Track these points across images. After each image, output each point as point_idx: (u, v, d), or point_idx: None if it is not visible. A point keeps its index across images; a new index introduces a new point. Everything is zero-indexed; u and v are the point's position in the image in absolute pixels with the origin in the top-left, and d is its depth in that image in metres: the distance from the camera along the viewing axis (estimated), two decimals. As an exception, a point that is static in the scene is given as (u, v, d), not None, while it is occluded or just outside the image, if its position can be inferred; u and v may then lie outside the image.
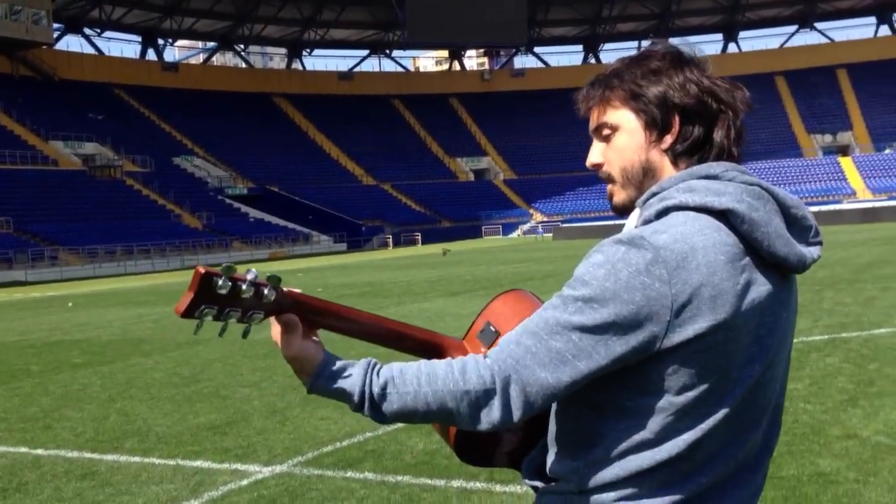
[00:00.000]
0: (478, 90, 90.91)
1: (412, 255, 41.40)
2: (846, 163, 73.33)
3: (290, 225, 61.84)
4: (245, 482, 5.16)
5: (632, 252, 1.30)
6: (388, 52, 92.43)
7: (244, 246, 55.30)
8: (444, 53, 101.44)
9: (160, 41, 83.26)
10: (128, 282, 34.77)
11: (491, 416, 1.33)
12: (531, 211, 73.91)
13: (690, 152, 1.41)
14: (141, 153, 64.56)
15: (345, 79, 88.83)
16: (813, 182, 70.90)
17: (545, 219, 69.99)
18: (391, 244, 61.61)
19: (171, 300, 21.38)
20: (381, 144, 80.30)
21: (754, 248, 1.35)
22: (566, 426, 1.42)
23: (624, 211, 1.49)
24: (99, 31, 79.43)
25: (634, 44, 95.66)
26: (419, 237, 62.44)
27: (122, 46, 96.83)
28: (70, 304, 22.32)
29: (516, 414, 1.33)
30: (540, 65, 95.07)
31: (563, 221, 64.25)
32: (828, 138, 79.03)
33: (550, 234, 56.49)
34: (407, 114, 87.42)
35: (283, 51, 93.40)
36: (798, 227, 1.41)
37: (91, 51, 78.45)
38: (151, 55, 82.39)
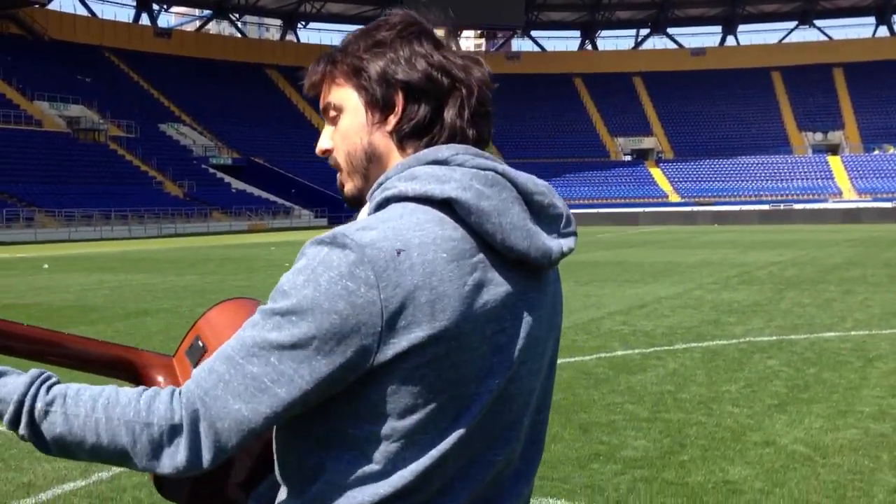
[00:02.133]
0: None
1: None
2: (835, 162, 73.39)
3: (272, 198, 61.48)
4: (139, 464, 4.98)
5: (334, 253, 1.10)
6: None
7: (223, 216, 54.93)
8: (441, 33, 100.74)
9: (154, 6, 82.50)
10: (102, 247, 34.47)
11: (175, 458, 1.10)
12: (516, 196, 73.73)
13: (417, 135, 1.22)
14: (127, 118, 63.94)
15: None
16: (800, 179, 71.00)
17: (530, 204, 69.83)
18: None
19: (137, 269, 21.16)
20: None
21: (488, 243, 1.16)
22: (287, 459, 1.20)
23: (355, 203, 1.30)
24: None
25: (632, 32, 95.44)
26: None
27: (116, 10, 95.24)
28: (45, 266, 22.05)
29: (206, 456, 1.11)
30: (536, 49, 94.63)
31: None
32: (818, 136, 79.04)
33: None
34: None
35: (279, 22, 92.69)
36: (545, 216, 1.22)
37: (84, 13, 77.63)
38: (145, 20, 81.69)
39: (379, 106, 1.23)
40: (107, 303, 13.42)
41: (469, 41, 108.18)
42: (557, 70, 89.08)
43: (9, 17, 67.50)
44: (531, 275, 1.21)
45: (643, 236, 36.01)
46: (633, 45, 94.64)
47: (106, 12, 77.67)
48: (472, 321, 1.13)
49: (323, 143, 1.31)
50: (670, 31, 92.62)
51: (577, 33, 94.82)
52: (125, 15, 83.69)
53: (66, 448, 1.13)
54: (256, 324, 1.12)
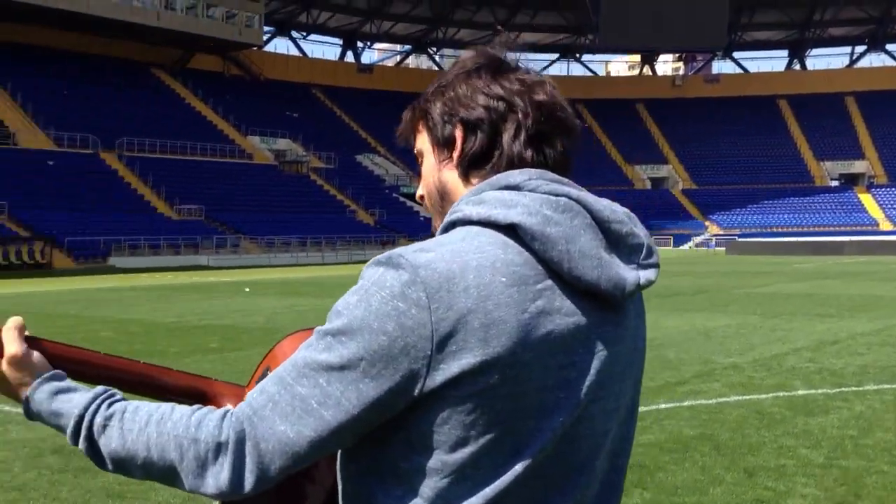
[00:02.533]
0: (667, 96, 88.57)
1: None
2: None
3: (460, 226, 62.68)
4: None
5: (388, 273, 1.08)
6: (577, 56, 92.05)
7: (409, 242, 56.50)
8: (637, 58, 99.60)
9: (359, 44, 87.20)
10: (297, 272, 36.45)
11: (219, 478, 1.09)
12: (707, 223, 71.07)
13: (477, 164, 1.21)
14: (327, 150, 67.64)
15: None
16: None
17: (721, 232, 67.05)
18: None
19: (324, 293, 22.18)
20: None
21: (556, 271, 1.11)
22: (346, 488, 1.18)
23: None
24: (304, 34, 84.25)
25: (847, 49, 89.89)
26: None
27: (324, 48, 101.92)
28: (247, 290, 23.58)
29: (248, 479, 1.08)
30: (737, 70, 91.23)
31: (739, 235, 61.32)
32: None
33: (724, 248, 54.00)
34: (589, 118, 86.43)
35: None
36: (624, 245, 1.16)
37: (296, 52, 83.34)
38: (350, 57, 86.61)
39: (443, 144, 1.24)
40: (292, 325, 14.10)
41: (666, 65, 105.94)
42: (760, 92, 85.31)
43: (231, 60, 73.43)
44: (608, 307, 1.15)
45: (845, 267, 33.55)
46: (846, 63, 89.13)
47: (315, 51, 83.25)
48: (533, 350, 1.07)
49: (419, 190, 1.33)
50: (889, 47, 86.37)
51: (784, 53, 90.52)
52: (332, 53, 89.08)
53: (121, 463, 1.13)
54: (310, 345, 1.12)
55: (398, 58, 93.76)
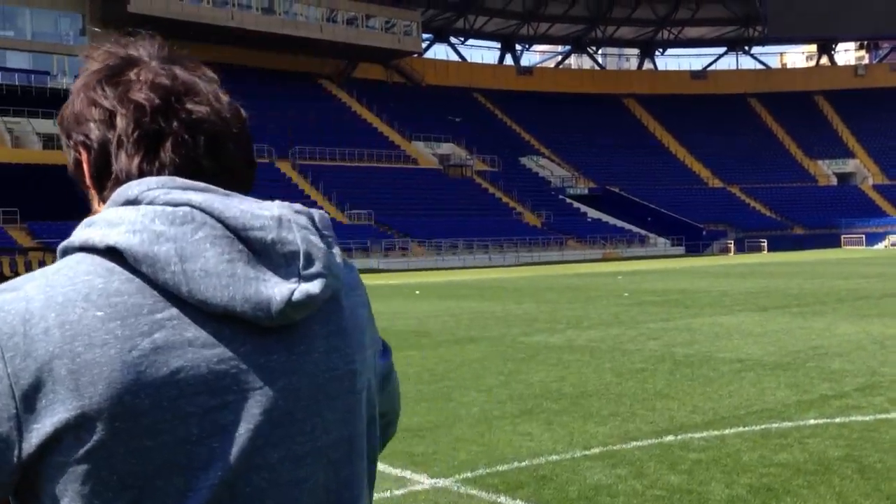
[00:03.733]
0: (850, 86, 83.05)
1: (749, 263, 38.82)
2: None
3: (627, 226, 61.32)
4: (401, 492, 5.09)
5: None
6: (746, 48, 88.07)
7: (578, 245, 55.90)
8: (813, 48, 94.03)
9: (518, 47, 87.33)
10: (463, 275, 36.80)
11: None
12: (903, 220, 65.96)
13: (100, 178, 1.03)
14: (491, 153, 68.06)
15: (698, 78, 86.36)
16: None
17: (920, 229, 62.02)
18: (733, 250, 58.44)
19: (483, 296, 22.20)
20: (731, 145, 76.81)
21: (177, 296, 0.92)
22: None
23: None
24: (462, 39, 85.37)
25: None
26: (765, 244, 58.56)
27: (483, 53, 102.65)
28: (417, 293, 24.05)
29: None
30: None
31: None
32: None
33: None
34: (764, 113, 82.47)
35: (636, 51, 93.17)
36: (274, 256, 0.94)
37: (455, 58, 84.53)
38: (509, 60, 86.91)
39: (75, 162, 1.06)
40: (442, 328, 14.17)
41: (847, 54, 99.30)
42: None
43: (393, 68, 75.43)
44: (272, 331, 0.94)
45: None
46: None
47: (474, 56, 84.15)
48: (154, 395, 0.88)
49: None
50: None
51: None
52: (491, 57, 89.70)
53: None
54: None
55: (559, 58, 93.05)
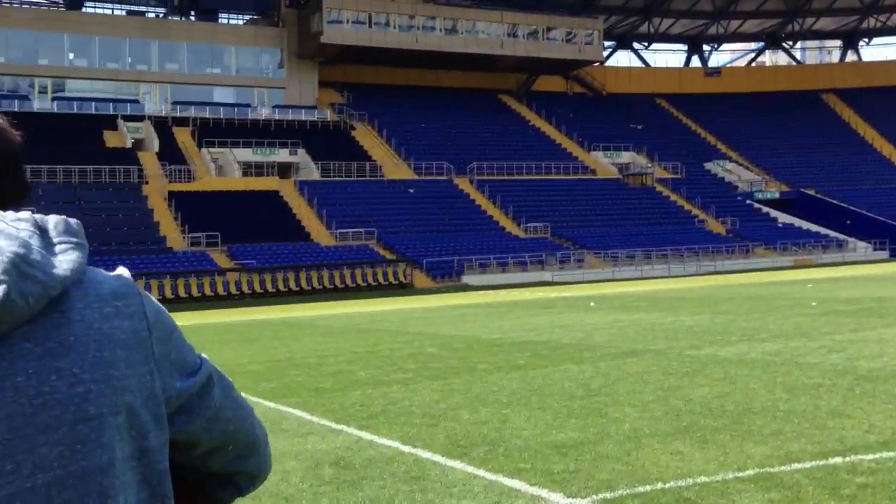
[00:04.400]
0: None
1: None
2: None
3: (823, 230, 57.46)
4: (532, 511, 4.92)
5: None
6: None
7: (767, 252, 52.95)
8: None
9: (705, 47, 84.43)
10: (639, 286, 35.81)
11: None
12: None
13: None
14: (673, 160, 66.04)
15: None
16: None
17: None
18: (945, 255, 53.43)
19: (657, 307, 21.45)
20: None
21: None
22: None
23: None
24: (646, 44, 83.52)
25: None
26: None
27: (668, 57, 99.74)
28: (592, 304, 23.70)
29: None
30: None
31: None
32: None
33: None
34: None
35: (838, 43, 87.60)
36: None
37: (638, 64, 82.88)
38: (695, 62, 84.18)
39: None
40: (606, 342, 13.77)
41: None
42: None
43: (574, 78, 75.03)
44: None
45: None
46: None
47: (658, 60, 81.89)
48: None
49: None
50: None
51: None
52: (676, 60, 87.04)
53: None
54: None
55: (750, 56, 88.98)
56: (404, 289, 43.71)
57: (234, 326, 22.88)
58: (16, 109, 53.72)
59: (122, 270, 1.01)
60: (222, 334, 20.15)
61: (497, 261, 47.27)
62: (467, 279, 45.56)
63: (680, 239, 52.58)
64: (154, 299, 1.02)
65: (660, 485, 5.26)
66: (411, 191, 54.97)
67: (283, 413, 8.61)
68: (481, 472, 5.79)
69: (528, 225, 53.09)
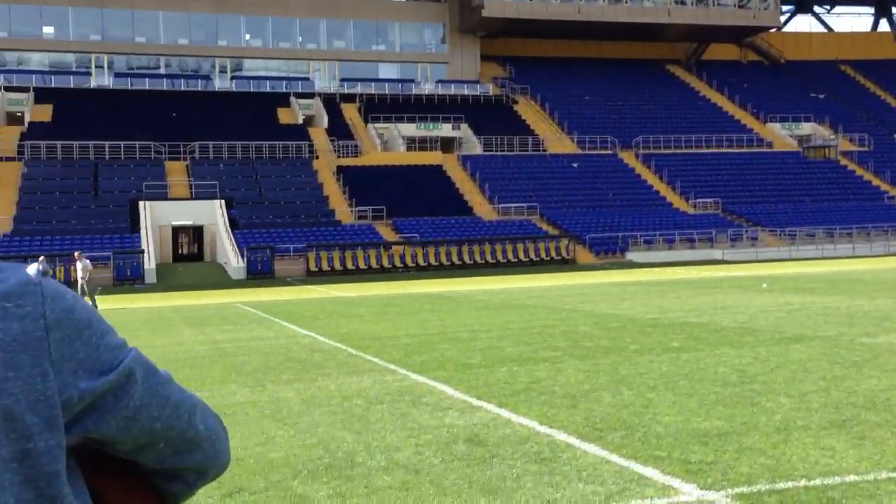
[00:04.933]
0: None
1: None
2: None
3: None
4: (662, 501, 4.71)
5: None
6: None
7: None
8: None
9: (895, 10, 78.19)
10: (818, 266, 33.79)
11: None
12: None
13: None
14: (859, 131, 61.73)
15: None
16: None
17: None
18: None
19: (835, 290, 20.17)
20: None
21: None
22: None
23: None
24: (828, 7, 78.34)
25: None
26: None
27: (853, 21, 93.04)
28: (764, 286, 22.66)
29: None
30: None
31: None
32: None
33: None
34: None
35: None
36: None
37: (818, 29, 77.87)
38: (884, 26, 78.16)
39: None
40: (772, 326, 13.07)
41: None
42: None
43: (748, 46, 71.42)
44: None
45: None
46: None
47: (841, 24, 76.20)
48: None
49: None
50: None
51: None
52: (862, 25, 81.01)
53: None
54: None
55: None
56: (566, 264, 43.35)
57: (395, 299, 23.46)
58: (199, 89, 57.27)
59: (30, 268, 0.97)
60: (383, 306, 20.70)
61: (663, 237, 45.96)
62: (632, 256, 44.59)
63: (866, 216, 49.17)
64: (68, 297, 0.97)
65: (803, 482, 4.92)
66: (574, 165, 54.26)
67: (428, 387, 8.72)
68: (614, 458, 5.63)
69: (697, 200, 51.22)
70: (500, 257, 43.78)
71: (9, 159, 47.12)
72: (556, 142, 57.15)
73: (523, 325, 14.59)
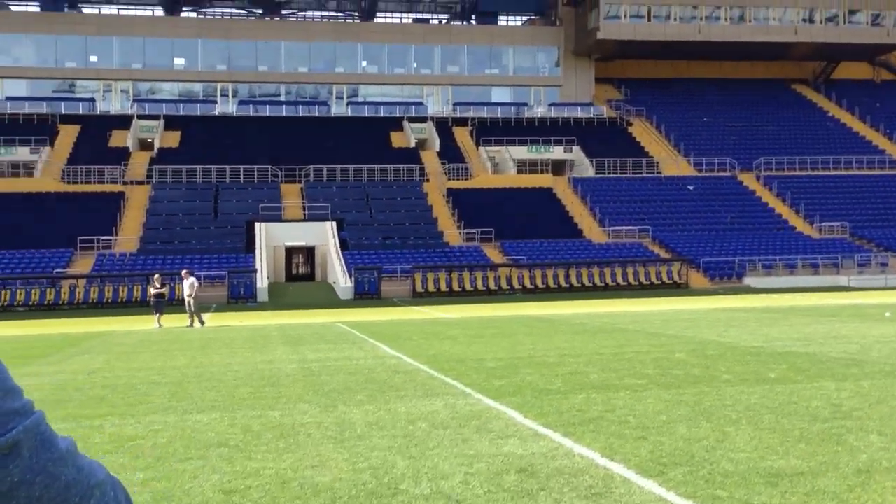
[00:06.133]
0: None
1: None
2: None
3: None
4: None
5: None
6: None
7: None
8: None
9: None
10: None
11: None
12: None
13: None
14: None
15: None
16: None
17: None
18: None
19: (962, 320, 18.67)
20: None
21: None
22: None
23: None
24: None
25: None
26: None
27: None
28: (887, 315, 21.32)
29: None
30: None
31: None
32: None
33: None
34: None
35: None
36: None
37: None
38: None
39: None
40: (884, 358, 12.13)
41: None
42: None
43: (881, 64, 68.26)
44: None
45: None
46: None
47: None
48: None
49: None
50: None
51: None
52: None
53: None
54: None
55: None
56: (678, 289, 42.07)
57: (494, 321, 23.22)
58: (317, 114, 58.89)
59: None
60: (480, 328, 20.50)
61: (784, 262, 44.00)
62: (749, 281, 42.87)
63: None
64: None
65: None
66: (690, 188, 52.77)
67: (498, 412, 8.46)
68: (670, 496, 5.23)
69: (823, 224, 48.85)
70: (609, 281, 42.89)
71: (139, 183, 49.61)
72: (672, 164, 55.76)
73: (615, 351, 14.10)
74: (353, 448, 6.94)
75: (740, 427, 7.30)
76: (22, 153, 50.96)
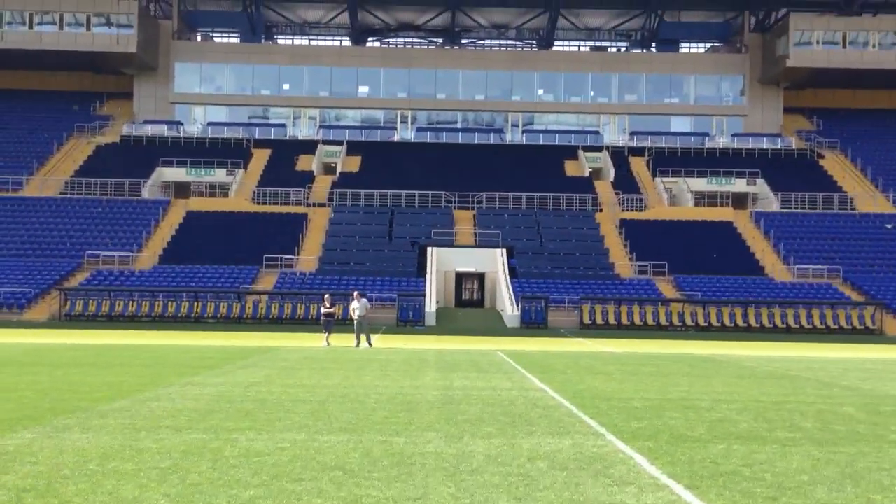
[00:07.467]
0: None
1: None
2: None
3: None
4: None
5: None
6: None
7: None
8: None
9: None
10: None
11: None
12: None
13: None
14: None
15: None
16: None
17: None
18: None
19: None
20: None
21: None
22: None
23: None
24: None
25: None
26: None
27: None
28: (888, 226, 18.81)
29: None
30: None
31: None
32: None
33: None
34: None
35: None
36: None
37: None
38: None
39: None
40: None
41: None
42: None
43: None
44: None
45: None
46: None
47: None
48: None
49: None
50: None
51: None
52: None
53: None
54: None
55: None
56: (870, 335, 39.00)
57: (657, 358, 22.35)
58: (491, 141, 59.53)
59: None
60: (638, 365, 19.78)
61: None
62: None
63: None
64: None
65: None
66: (888, 226, 48.94)
67: (625, 457, 8.03)
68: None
69: None
70: (791, 323, 40.39)
71: (321, 205, 51.91)
72: (868, 200, 51.93)
73: (777, 399, 13.13)
74: (462, 482, 6.78)
75: (889, 495, 6.53)
76: (219, 175, 54.65)
